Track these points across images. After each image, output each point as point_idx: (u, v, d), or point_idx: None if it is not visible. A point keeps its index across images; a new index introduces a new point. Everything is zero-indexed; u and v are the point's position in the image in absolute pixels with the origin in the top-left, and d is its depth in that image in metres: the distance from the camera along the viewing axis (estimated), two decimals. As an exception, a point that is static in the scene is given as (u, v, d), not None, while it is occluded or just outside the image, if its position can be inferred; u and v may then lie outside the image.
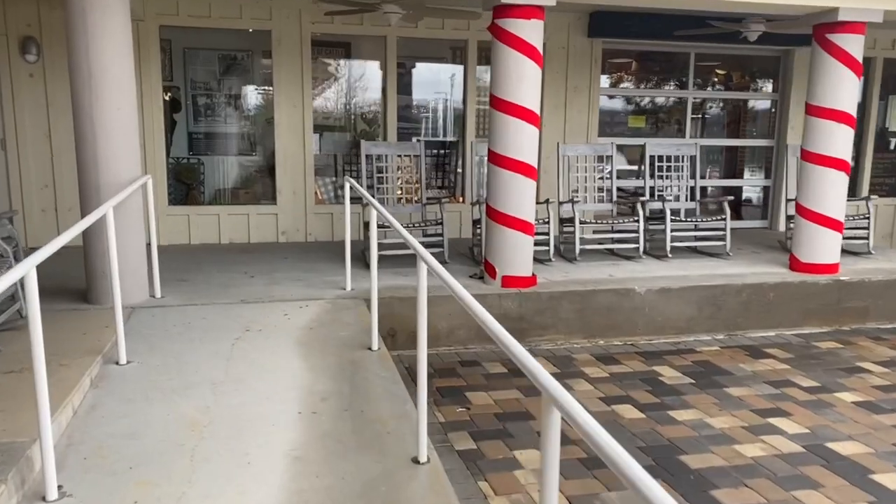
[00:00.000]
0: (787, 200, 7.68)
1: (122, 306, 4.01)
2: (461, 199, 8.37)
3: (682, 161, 7.50)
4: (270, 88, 7.75)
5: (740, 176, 9.80)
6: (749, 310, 6.22)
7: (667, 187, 7.45)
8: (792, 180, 7.61)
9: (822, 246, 6.54)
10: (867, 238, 7.46)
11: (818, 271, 6.53)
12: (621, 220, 7.13)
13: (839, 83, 6.35)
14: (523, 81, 5.64)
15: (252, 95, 8.19)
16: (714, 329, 6.16)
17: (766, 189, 9.57)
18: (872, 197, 7.71)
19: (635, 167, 8.88)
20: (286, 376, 3.90)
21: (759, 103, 9.88)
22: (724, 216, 7.16)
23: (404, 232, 3.78)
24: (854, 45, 6.32)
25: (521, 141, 5.71)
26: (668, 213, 7.01)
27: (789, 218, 7.69)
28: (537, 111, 5.75)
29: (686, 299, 6.07)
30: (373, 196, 5.59)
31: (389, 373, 4.01)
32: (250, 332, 4.61)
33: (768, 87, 9.92)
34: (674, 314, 6.06)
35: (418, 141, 8.28)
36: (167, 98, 7.67)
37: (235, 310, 5.08)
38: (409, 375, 4.86)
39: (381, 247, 6.29)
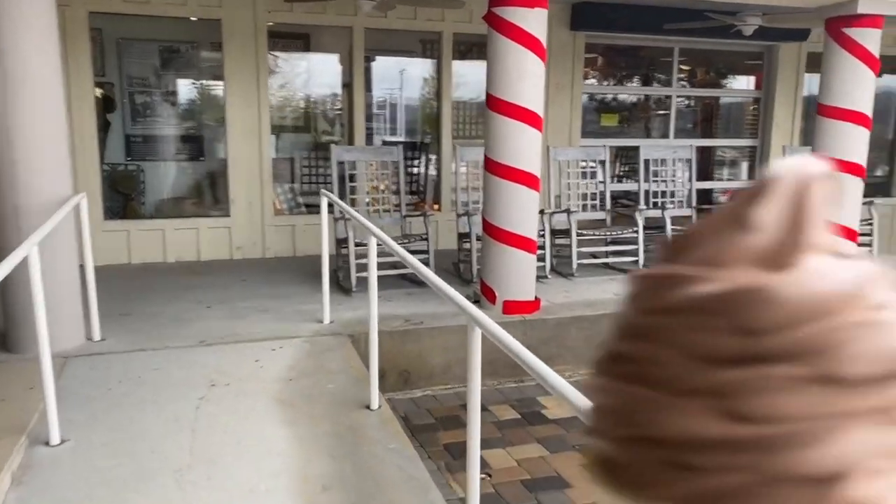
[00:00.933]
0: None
1: (51, 357, 3.12)
2: (436, 207, 7.60)
3: (678, 164, 6.92)
4: (220, 84, 6.82)
5: (711, 178, 9.28)
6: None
7: (663, 192, 6.84)
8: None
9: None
10: (870, 245, 7.04)
11: (834, 285, 6.03)
12: (618, 231, 6.49)
13: (855, 81, 5.84)
14: (525, 79, 4.91)
15: (198, 93, 7.24)
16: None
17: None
18: (875, 200, 7.27)
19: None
20: (270, 453, 3.09)
21: (731, 101, 9.40)
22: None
23: (411, 259, 3.03)
24: (871, 39, 5.81)
25: (521, 146, 4.99)
26: (669, 221, 6.41)
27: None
28: (540, 112, 5.04)
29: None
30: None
31: (399, 443, 3.24)
32: (217, 387, 3.76)
33: (741, 83, 9.48)
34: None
35: (388, 144, 7.48)
36: (99, 96, 6.66)
37: (194, 355, 4.21)
38: (407, 427, 4.10)
39: (359, 267, 5.51)
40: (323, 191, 4.88)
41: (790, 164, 0.27)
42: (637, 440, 0.26)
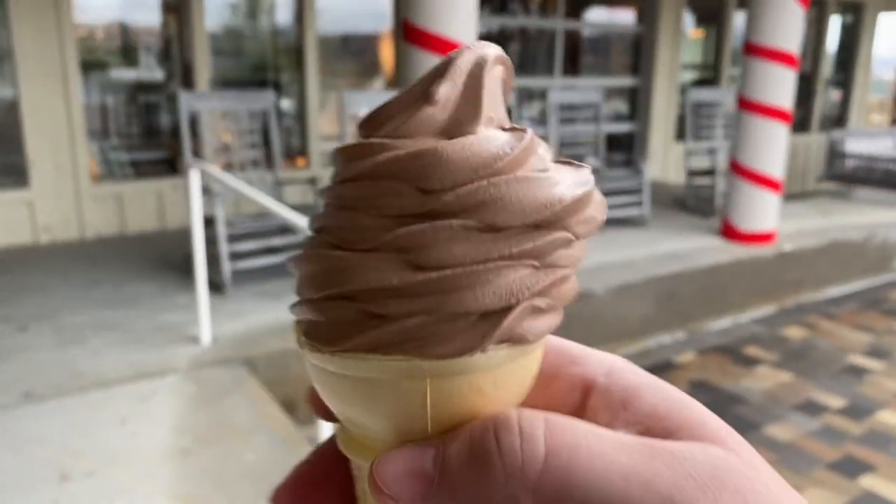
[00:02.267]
0: (689, 153, 6.72)
1: None
2: (301, 161, 6.28)
3: (587, 110, 6.14)
4: None
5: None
6: (701, 297, 5.14)
7: (574, 142, 6.06)
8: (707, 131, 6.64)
9: (762, 210, 5.63)
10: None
11: (758, 240, 5.63)
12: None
13: (784, 19, 5.31)
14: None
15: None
16: (670, 324, 4.99)
17: (629, 136, 8.61)
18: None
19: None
20: None
21: (595, 35, 8.76)
22: (638, 174, 5.98)
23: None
24: (800, -30, 5.30)
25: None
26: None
27: (692, 174, 6.76)
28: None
29: (644, 295, 4.81)
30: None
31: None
32: (73, 481, 2.42)
33: (611, 15, 8.90)
34: (631, 314, 4.77)
35: (231, 85, 5.97)
36: None
37: (21, 422, 2.77)
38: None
39: (234, 256, 4.20)
40: (193, 160, 3.47)
41: (469, 48, 0.30)
42: (335, 298, 0.28)
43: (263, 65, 6.47)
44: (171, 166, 5.89)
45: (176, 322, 3.74)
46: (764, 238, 5.64)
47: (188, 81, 5.70)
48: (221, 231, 4.08)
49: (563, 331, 0.31)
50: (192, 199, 3.36)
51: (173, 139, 5.99)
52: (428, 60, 3.81)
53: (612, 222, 5.97)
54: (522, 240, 0.28)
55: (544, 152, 0.30)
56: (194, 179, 3.33)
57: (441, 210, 0.27)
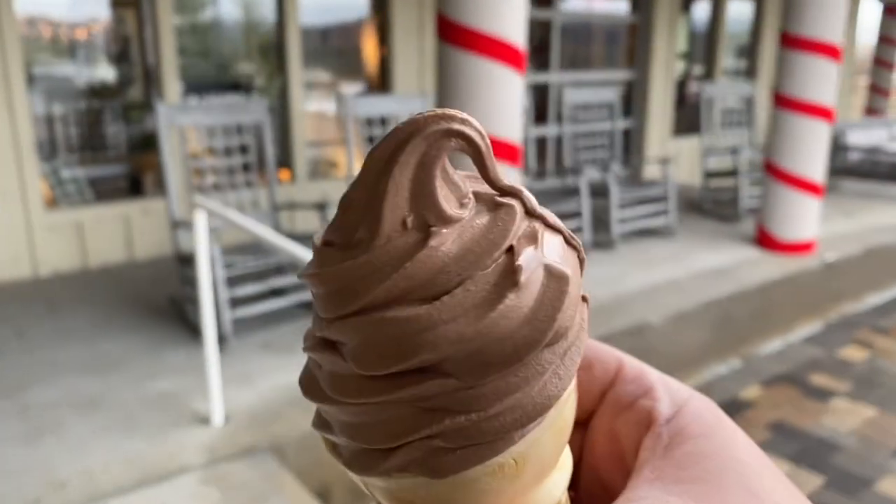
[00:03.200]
0: (707, 153, 6.22)
1: None
2: (284, 174, 5.54)
3: (602, 111, 5.57)
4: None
5: (543, 120, 7.89)
6: (752, 318, 4.64)
7: (588, 147, 5.48)
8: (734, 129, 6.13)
9: (802, 216, 5.16)
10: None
11: (799, 250, 5.16)
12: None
13: (826, 7, 4.83)
14: None
15: None
16: (723, 351, 4.47)
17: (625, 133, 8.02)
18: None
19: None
20: None
21: (574, 24, 8.09)
22: (663, 183, 5.45)
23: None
24: (843, -47, 4.82)
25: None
26: (614, 185, 5.07)
27: (710, 175, 6.27)
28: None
29: (699, 322, 4.27)
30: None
31: None
32: None
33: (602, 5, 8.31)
34: (686, 343, 4.24)
35: (197, 88, 5.17)
36: None
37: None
38: None
39: (235, 302, 3.50)
40: (198, 199, 2.74)
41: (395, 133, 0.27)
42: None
43: (235, 63, 5.68)
44: (135, 185, 5.08)
45: (172, 391, 3.02)
46: (804, 247, 5.18)
47: (151, 86, 4.90)
48: (220, 274, 3.35)
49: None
50: (198, 247, 2.63)
51: (135, 153, 5.18)
52: (472, 63, 3.16)
53: (641, 234, 5.42)
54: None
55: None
56: (201, 222, 2.61)
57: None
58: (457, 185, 0.27)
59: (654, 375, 0.34)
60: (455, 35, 3.19)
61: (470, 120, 0.27)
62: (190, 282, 3.65)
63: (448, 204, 0.27)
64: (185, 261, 3.61)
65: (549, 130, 6.51)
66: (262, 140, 3.97)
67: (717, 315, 4.37)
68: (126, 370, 3.22)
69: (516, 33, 3.20)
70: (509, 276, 0.26)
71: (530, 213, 0.28)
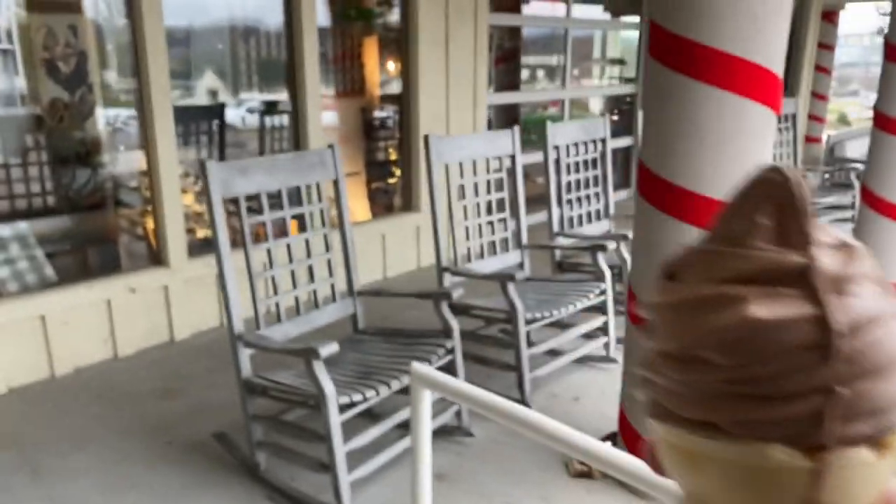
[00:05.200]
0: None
1: None
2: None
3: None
4: None
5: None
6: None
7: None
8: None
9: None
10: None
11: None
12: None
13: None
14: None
15: None
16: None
17: (624, 152, 7.04)
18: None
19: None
20: None
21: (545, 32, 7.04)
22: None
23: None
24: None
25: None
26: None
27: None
28: None
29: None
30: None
31: None
32: None
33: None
34: None
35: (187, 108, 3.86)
36: None
37: None
38: None
39: (352, 459, 2.38)
40: (416, 366, 1.58)
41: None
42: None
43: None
44: (110, 254, 3.70)
45: None
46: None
47: (143, 113, 3.55)
48: (332, 421, 2.18)
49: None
50: (418, 453, 1.51)
51: (107, 209, 3.82)
52: (702, 91, 2.19)
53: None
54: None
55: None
56: (424, 403, 1.49)
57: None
58: None
59: None
60: (668, 54, 2.21)
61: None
62: (262, 419, 2.48)
63: None
64: (252, 389, 2.44)
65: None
66: (340, 191, 2.77)
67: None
68: None
69: (775, 62, 2.26)
70: None
71: None
